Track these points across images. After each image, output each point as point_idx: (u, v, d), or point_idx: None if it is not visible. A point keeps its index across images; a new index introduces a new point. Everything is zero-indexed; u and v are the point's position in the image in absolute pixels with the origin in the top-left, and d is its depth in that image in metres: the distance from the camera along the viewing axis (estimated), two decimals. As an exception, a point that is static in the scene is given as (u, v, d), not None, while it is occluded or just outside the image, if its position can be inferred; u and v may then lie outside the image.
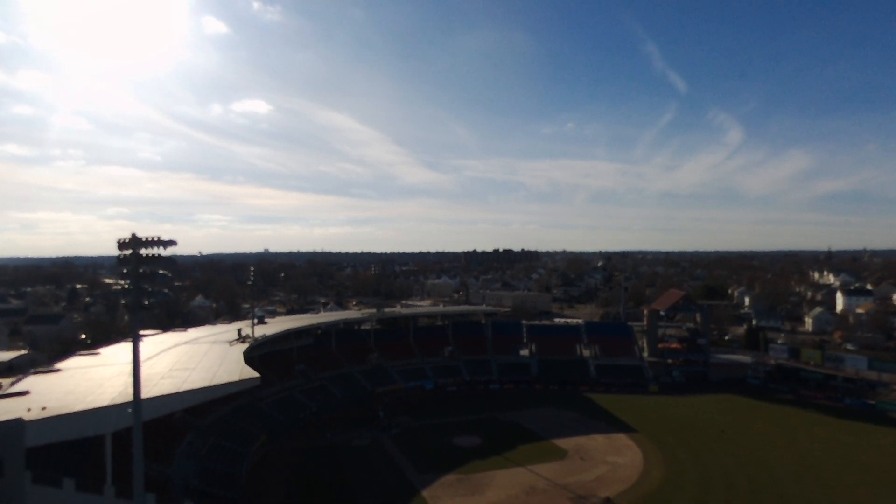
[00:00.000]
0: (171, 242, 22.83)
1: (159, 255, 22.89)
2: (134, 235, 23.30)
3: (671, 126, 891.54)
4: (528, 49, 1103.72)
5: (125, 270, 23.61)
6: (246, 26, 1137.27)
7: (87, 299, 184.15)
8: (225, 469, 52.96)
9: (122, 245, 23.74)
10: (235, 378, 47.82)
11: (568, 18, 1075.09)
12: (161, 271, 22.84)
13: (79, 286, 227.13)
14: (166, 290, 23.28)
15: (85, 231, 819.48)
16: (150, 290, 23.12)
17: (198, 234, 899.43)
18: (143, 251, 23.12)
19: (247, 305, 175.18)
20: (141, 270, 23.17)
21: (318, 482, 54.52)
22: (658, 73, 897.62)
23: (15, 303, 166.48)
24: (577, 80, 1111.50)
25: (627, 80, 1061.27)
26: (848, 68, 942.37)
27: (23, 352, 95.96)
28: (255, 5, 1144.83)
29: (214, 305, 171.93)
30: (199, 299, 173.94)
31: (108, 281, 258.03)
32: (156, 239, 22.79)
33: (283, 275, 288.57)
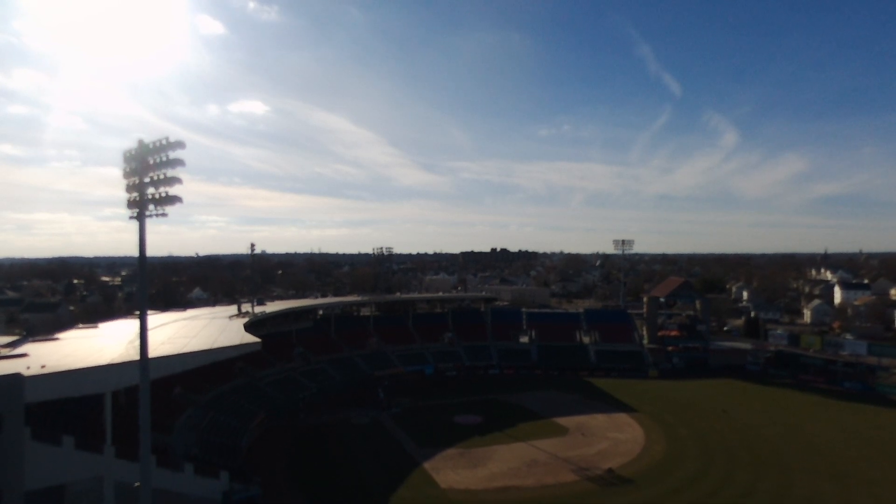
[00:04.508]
0: (180, 144, 22.46)
1: (167, 158, 22.56)
2: (141, 142, 22.96)
3: (666, 128, 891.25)
4: (524, 51, 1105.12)
5: (131, 182, 23.17)
6: (242, 26, 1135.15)
7: (84, 293, 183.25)
8: (225, 441, 52.62)
9: (128, 158, 23.36)
10: (236, 343, 47.45)
11: (563, 20, 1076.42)
12: (170, 174, 22.44)
13: (76, 281, 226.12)
14: (177, 196, 22.79)
15: (81, 232, 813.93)
16: (158, 197, 22.73)
17: (195, 236, 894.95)
18: (150, 160, 22.81)
19: (245, 300, 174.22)
20: (147, 179, 22.76)
21: (318, 455, 54.25)
22: (653, 75, 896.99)
23: (12, 294, 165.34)
24: (572, 83, 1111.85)
25: (623, 82, 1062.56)
26: (843, 71, 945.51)
27: (18, 337, 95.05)
28: (251, 5, 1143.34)
29: (212, 299, 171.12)
30: (196, 291, 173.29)
31: (104, 278, 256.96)
32: (163, 143, 22.41)
33: (280, 272, 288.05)
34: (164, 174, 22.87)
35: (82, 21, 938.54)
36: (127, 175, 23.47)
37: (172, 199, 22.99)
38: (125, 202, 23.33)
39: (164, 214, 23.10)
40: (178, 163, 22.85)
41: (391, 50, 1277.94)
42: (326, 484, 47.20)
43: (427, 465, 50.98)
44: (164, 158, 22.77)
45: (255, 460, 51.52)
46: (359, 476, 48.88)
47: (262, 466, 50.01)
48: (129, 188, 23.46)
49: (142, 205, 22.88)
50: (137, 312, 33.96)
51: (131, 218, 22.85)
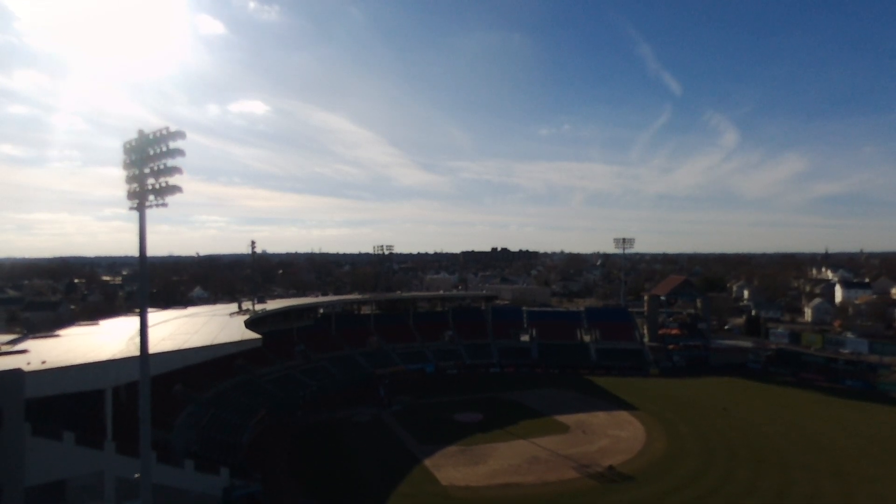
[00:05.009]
0: (180, 134, 22.41)
1: (167, 148, 22.54)
2: (141, 132, 22.94)
3: (666, 128, 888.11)
4: (524, 50, 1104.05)
5: (132, 174, 23.13)
6: (242, 26, 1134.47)
7: (85, 292, 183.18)
8: (225, 438, 52.56)
9: (128, 149, 23.32)
10: (237, 339, 47.38)
11: (563, 20, 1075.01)
12: (171, 164, 22.40)
13: (77, 280, 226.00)
14: (177, 185, 22.74)
15: (81, 232, 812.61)
16: (158, 187, 22.69)
17: (195, 236, 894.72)
18: (150, 150, 22.79)
19: (245, 299, 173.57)
20: (147, 169, 22.72)
21: (319, 452, 54.22)
22: (653, 75, 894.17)
23: (12, 293, 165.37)
24: (572, 82, 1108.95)
25: (623, 81, 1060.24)
26: (843, 71, 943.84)
27: (19, 336, 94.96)
28: (252, 5, 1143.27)
29: (212, 298, 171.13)
30: (197, 290, 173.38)
31: (105, 278, 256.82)
32: (163, 133, 22.36)
33: (280, 271, 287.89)
34: (165, 164, 22.84)
35: (83, 21, 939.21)
36: (127, 166, 23.44)
37: (173, 189, 22.95)
38: (126, 194, 23.35)
39: (164, 205, 23.03)
40: (178, 153, 22.79)
41: (391, 50, 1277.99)
42: (327, 480, 47.16)
43: (428, 463, 50.95)
44: (165, 148, 22.75)
45: (255, 457, 51.42)
46: (359, 473, 48.84)
47: (263, 463, 49.92)
48: (130, 179, 23.45)
49: (142, 195, 22.84)
50: (138, 309, 33.94)
51: (131, 209, 22.84)
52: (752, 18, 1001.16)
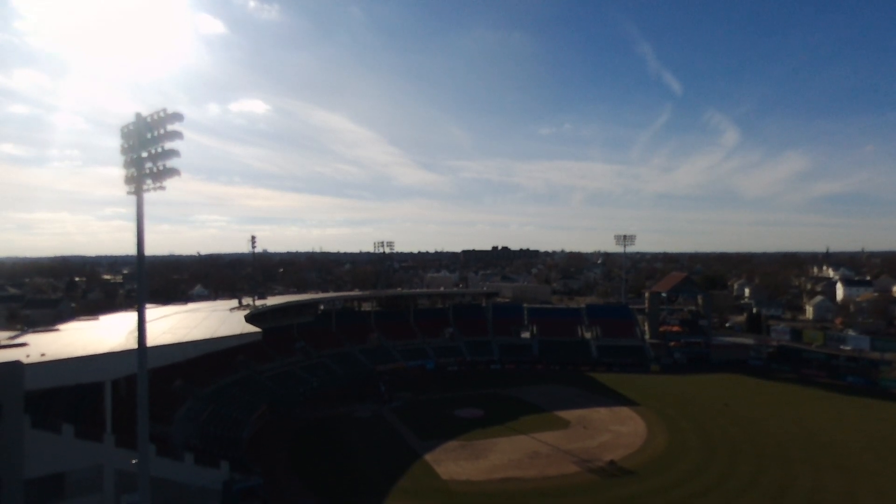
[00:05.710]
0: (178, 117, 22.21)
1: (165, 131, 22.38)
2: (139, 115, 22.77)
3: (667, 127, 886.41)
4: (525, 49, 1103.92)
5: (129, 158, 22.97)
6: (242, 26, 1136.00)
7: (86, 290, 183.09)
8: (226, 433, 52.47)
9: (125, 134, 23.19)
10: (237, 333, 47.25)
11: (563, 19, 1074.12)
12: (168, 147, 22.25)
13: (77, 279, 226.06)
14: (175, 168, 22.53)
15: (82, 231, 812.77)
16: (156, 170, 22.51)
17: (196, 235, 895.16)
18: (148, 133, 22.64)
19: (246, 297, 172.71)
20: (145, 153, 22.57)
21: (319, 448, 54.14)
22: (653, 74, 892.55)
23: (13, 291, 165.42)
24: (573, 81, 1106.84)
25: (623, 80, 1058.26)
26: (844, 70, 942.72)
27: (19, 332, 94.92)
28: (252, 4, 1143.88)
29: (213, 295, 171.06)
30: (198, 288, 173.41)
31: (106, 276, 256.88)
32: (161, 115, 22.21)
33: (281, 269, 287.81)
34: (162, 147, 22.68)
35: (83, 21, 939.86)
36: (125, 151, 23.28)
37: (171, 172, 22.79)
38: (123, 179, 23.16)
39: (162, 188, 22.87)
40: (175, 135, 22.63)
41: (392, 49, 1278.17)
42: (328, 475, 47.03)
43: (428, 458, 50.83)
44: (162, 131, 22.59)
45: (256, 452, 51.41)
46: (360, 468, 48.72)
47: (264, 458, 49.87)
48: (128, 164, 23.29)
49: (139, 179, 22.68)
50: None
51: (129, 193, 22.70)
52: (752, 18, 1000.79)
